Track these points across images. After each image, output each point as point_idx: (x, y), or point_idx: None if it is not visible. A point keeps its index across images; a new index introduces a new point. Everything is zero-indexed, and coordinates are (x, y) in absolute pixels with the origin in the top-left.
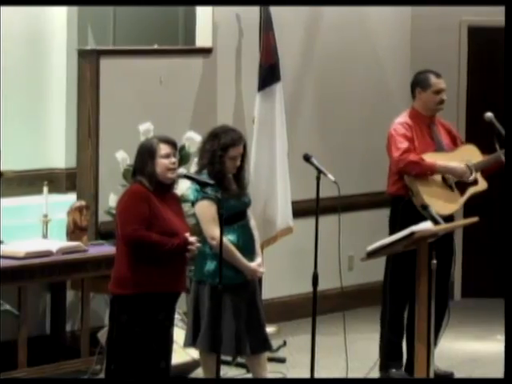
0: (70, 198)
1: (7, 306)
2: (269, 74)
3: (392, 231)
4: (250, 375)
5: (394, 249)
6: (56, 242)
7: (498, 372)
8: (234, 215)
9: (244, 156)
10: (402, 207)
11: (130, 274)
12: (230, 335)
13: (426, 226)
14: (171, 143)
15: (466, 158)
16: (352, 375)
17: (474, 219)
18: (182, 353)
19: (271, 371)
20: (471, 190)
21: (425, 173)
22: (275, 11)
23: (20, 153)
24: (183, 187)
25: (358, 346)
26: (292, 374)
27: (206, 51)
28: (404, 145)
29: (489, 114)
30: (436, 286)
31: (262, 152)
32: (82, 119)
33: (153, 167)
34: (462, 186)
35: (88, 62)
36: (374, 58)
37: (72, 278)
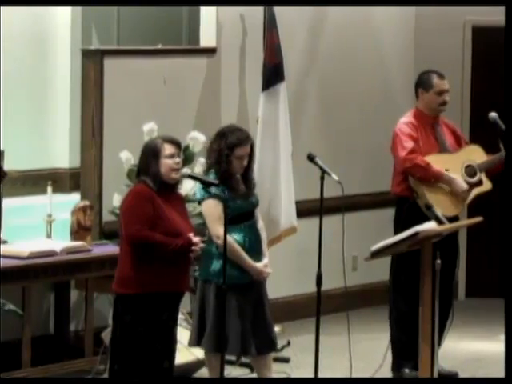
0: (74, 198)
1: (11, 306)
2: (273, 74)
3: (396, 232)
4: (253, 375)
5: (398, 249)
6: (60, 242)
7: (502, 372)
8: (240, 215)
9: (251, 156)
10: (407, 209)
11: (133, 273)
12: (236, 335)
13: (430, 225)
14: (175, 143)
15: (470, 158)
16: (356, 375)
17: (478, 219)
18: (185, 352)
19: (275, 371)
20: (476, 191)
21: (429, 178)
22: (279, 11)
23: (24, 153)
24: (187, 187)
25: (362, 346)
26: (296, 374)
27: (209, 51)
28: (410, 144)
29: (493, 114)
30: (440, 286)
31: (266, 152)
32: (86, 119)
33: (157, 167)
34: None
35: (92, 62)
36: (378, 58)
37: (76, 277)
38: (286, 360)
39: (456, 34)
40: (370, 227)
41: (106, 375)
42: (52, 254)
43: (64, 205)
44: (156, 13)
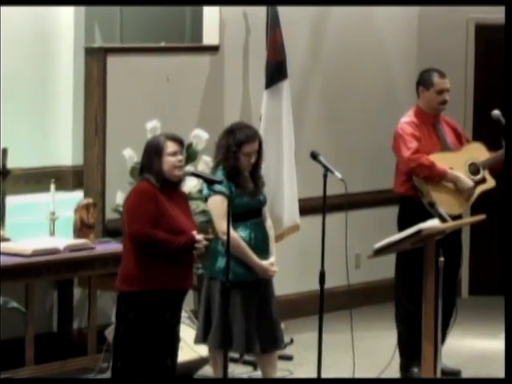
0: (77, 196)
1: (14, 304)
2: (276, 72)
3: (401, 231)
4: (257, 373)
5: (402, 246)
6: (63, 240)
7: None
8: (247, 212)
9: (260, 154)
10: (412, 208)
11: (136, 271)
12: (240, 332)
13: (433, 223)
14: (178, 141)
15: (473, 156)
16: (359, 373)
17: (482, 217)
18: (188, 350)
19: (278, 369)
20: (480, 189)
21: (434, 177)
22: (282, 9)
23: (27, 150)
24: (190, 185)
25: (365, 344)
26: (299, 372)
27: (213, 49)
28: (414, 144)
29: (496, 112)
30: (444, 284)
31: (269, 150)
32: (89, 117)
33: (160, 165)
34: None
35: (95, 60)
36: (381, 57)
37: (79, 275)
38: (289, 358)
39: (459, 32)
40: (373, 225)
41: (109, 373)
42: (55, 251)
43: (67, 202)
44: (159, 11)
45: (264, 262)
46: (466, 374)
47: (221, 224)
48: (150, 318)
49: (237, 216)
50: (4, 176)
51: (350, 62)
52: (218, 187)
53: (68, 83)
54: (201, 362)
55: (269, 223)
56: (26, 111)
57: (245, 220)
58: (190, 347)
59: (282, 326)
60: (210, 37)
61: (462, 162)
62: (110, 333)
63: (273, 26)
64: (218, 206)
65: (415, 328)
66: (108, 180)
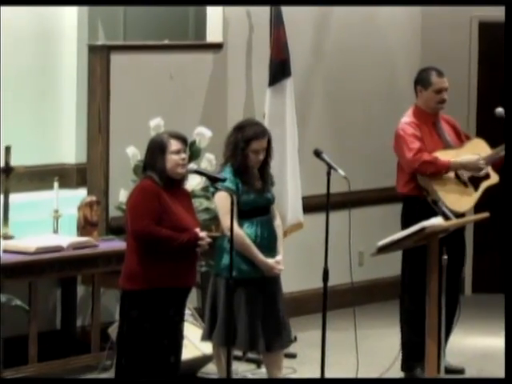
0: (81, 194)
1: (18, 301)
2: (279, 70)
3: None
4: (260, 370)
5: (405, 244)
6: (66, 238)
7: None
8: (254, 209)
9: (269, 151)
10: (420, 209)
11: (140, 269)
12: (244, 330)
13: (436, 221)
14: (182, 139)
15: (475, 152)
16: (362, 371)
17: (485, 214)
18: (192, 348)
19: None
20: (484, 185)
21: (440, 172)
22: (286, 7)
23: (31, 148)
24: (193, 183)
25: (368, 342)
26: (302, 370)
27: (216, 46)
28: (416, 145)
29: (499, 110)
30: (447, 282)
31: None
32: (93, 114)
33: (163, 163)
34: (475, 180)
35: (98, 58)
36: (385, 55)
37: (82, 273)
38: (292, 356)
39: (462, 31)
40: (377, 223)
41: (112, 371)
42: (59, 249)
43: (71, 200)
44: (162, 9)
45: (269, 260)
46: (469, 372)
47: (226, 220)
48: (154, 316)
49: (243, 213)
50: (7, 174)
51: (353, 61)
52: (227, 183)
53: (71, 81)
54: (204, 360)
55: (278, 222)
56: (30, 109)
57: (251, 217)
58: (193, 345)
59: None
60: (213, 34)
61: (467, 157)
62: (113, 330)
63: (276, 24)
64: (223, 202)
65: (418, 328)
66: (111, 178)
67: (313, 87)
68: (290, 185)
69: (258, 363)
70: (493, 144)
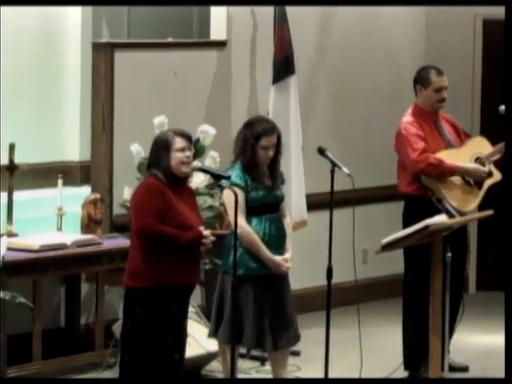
0: (85, 191)
1: (22, 299)
2: (283, 67)
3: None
4: (264, 368)
5: (409, 242)
6: (70, 235)
7: None
8: (263, 206)
9: (278, 148)
10: (424, 208)
11: (144, 266)
12: (251, 328)
13: (440, 219)
14: (186, 137)
15: (477, 150)
16: (366, 369)
17: (489, 212)
18: (196, 346)
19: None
20: (488, 183)
21: (444, 175)
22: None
23: (35, 146)
24: (197, 180)
25: (372, 340)
26: (306, 367)
27: (220, 44)
28: (420, 145)
29: (503, 107)
30: (450, 279)
31: None
32: (97, 112)
33: (168, 161)
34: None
35: (102, 55)
36: (389, 52)
37: (86, 270)
38: (296, 353)
39: (466, 28)
40: (380, 220)
41: (116, 368)
42: (63, 247)
43: (74, 198)
44: (166, 6)
45: (277, 258)
46: (472, 370)
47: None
48: (158, 314)
49: (252, 210)
50: (11, 171)
51: (357, 58)
52: (235, 179)
53: (75, 79)
54: (208, 358)
55: (287, 221)
56: (34, 107)
57: (260, 214)
58: (197, 343)
59: None
60: (217, 32)
61: (468, 158)
62: (117, 328)
63: (280, 21)
64: (231, 198)
65: (424, 328)
66: (115, 175)
67: (317, 85)
68: (294, 182)
69: (263, 361)
70: (497, 141)
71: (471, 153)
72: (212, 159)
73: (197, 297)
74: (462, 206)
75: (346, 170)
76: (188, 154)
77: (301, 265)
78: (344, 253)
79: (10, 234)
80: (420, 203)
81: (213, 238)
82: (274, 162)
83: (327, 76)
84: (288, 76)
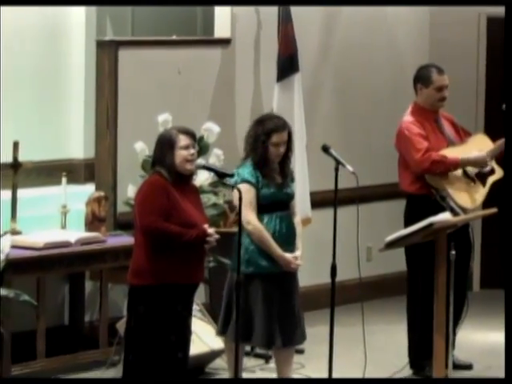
0: (89, 189)
1: (26, 297)
2: (287, 65)
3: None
4: (268, 366)
5: (413, 240)
6: (74, 233)
7: None
8: (273, 204)
9: (289, 146)
10: (429, 207)
11: (148, 264)
12: (261, 326)
13: (444, 216)
14: (190, 134)
15: (479, 147)
16: (370, 366)
17: (493, 210)
18: (200, 344)
19: None
20: (490, 180)
21: (449, 170)
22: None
23: (39, 143)
24: (201, 178)
25: (376, 337)
26: (310, 365)
27: (224, 42)
28: (423, 145)
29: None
30: (455, 277)
31: None
32: (101, 110)
33: (172, 158)
34: (481, 176)
35: (106, 53)
36: (393, 50)
37: (90, 268)
38: (300, 351)
39: (471, 26)
40: (385, 218)
41: (120, 366)
42: (67, 244)
43: (79, 195)
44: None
45: (287, 255)
46: (476, 368)
47: (245, 213)
48: (161, 312)
49: (263, 207)
50: (15, 169)
51: (362, 57)
52: (246, 176)
53: (79, 76)
54: (212, 355)
55: (297, 219)
56: (38, 104)
57: (270, 212)
58: (201, 340)
59: None
60: (221, 30)
61: (474, 154)
62: (121, 326)
63: (284, 19)
64: (243, 194)
65: (429, 327)
66: (119, 173)
67: (321, 84)
68: (298, 180)
69: (267, 359)
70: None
71: (473, 150)
72: (216, 157)
73: (201, 295)
74: (466, 203)
75: (350, 167)
76: (192, 151)
77: (305, 262)
78: (348, 250)
79: (14, 232)
80: (423, 202)
81: (217, 236)
82: (285, 160)
83: (331, 75)
84: (292, 74)
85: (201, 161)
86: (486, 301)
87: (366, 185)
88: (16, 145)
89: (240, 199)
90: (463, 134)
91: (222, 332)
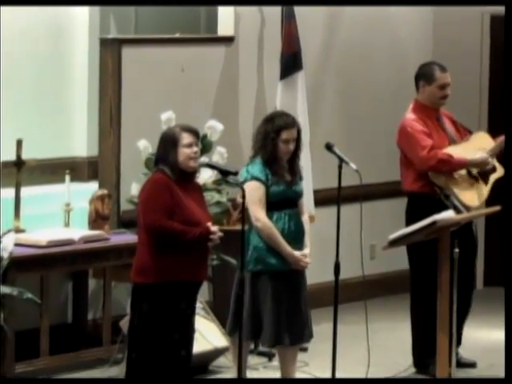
0: (92, 187)
1: (29, 295)
2: (291, 63)
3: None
4: (271, 364)
5: (416, 238)
6: (78, 231)
7: None
8: (282, 201)
9: (298, 144)
10: (430, 206)
11: (151, 262)
12: (270, 324)
13: (448, 214)
14: (193, 132)
15: (480, 145)
16: (374, 364)
17: (496, 208)
18: (203, 341)
19: None
20: (492, 178)
21: (454, 170)
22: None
23: (42, 141)
24: (205, 176)
25: (379, 335)
26: (314, 363)
27: (227, 40)
28: (428, 142)
29: None
30: (460, 275)
31: None
32: (104, 108)
33: (175, 156)
34: (483, 174)
35: (110, 51)
36: (396, 49)
37: (94, 266)
38: (304, 349)
39: (474, 24)
40: (388, 216)
41: (123, 364)
42: (70, 242)
43: (82, 193)
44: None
45: (296, 253)
46: (480, 366)
47: (254, 210)
48: (165, 310)
49: (272, 204)
50: (19, 167)
51: (365, 55)
52: (256, 173)
53: (83, 74)
54: (215, 353)
55: (305, 217)
56: (41, 102)
57: (279, 209)
58: (204, 338)
59: None
60: (224, 28)
61: (473, 153)
62: (124, 324)
63: (288, 17)
64: (252, 191)
65: (433, 325)
66: (123, 171)
67: (323, 82)
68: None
69: (270, 356)
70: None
71: (475, 148)
72: (219, 155)
73: (204, 293)
74: (470, 202)
75: (353, 165)
76: (195, 149)
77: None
78: (351, 248)
79: (18, 230)
80: (424, 201)
81: (220, 234)
82: (294, 157)
83: (334, 73)
84: (295, 72)
85: (204, 159)
86: (489, 299)
87: (369, 183)
88: (19, 143)
89: (243, 197)
90: (463, 131)
91: (231, 331)
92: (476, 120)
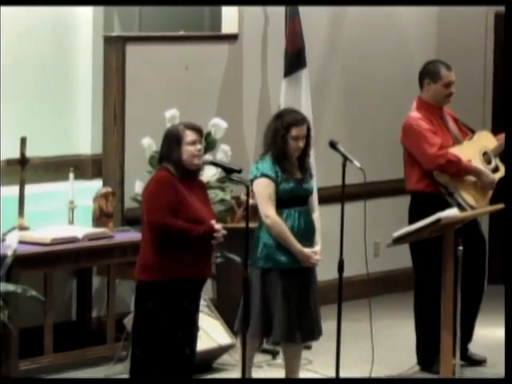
0: (96, 185)
1: (33, 292)
2: (295, 60)
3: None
4: (276, 361)
5: (420, 235)
6: (82, 229)
7: None
8: (292, 199)
9: (308, 141)
10: (435, 205)
11: (155, 260)
12: (281, 322)
13: (452, 212)
14: (197, 130)
15: (484, 145)
16: (377, 362)
17: (500, 206)
18: (207, 339)
19: None
20: (496, 177)
21: (460, 173)
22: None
23: (46, 139)
24: (209, 174)
25: (383, 333)
26: (318, 361)
27: (231, 37)
28: (437, 140)
29: None
30: (471, 273)
31: None
32: (108, 106)
33: (179, 154)
34: None
35: (114, 49)
36: (400, 47)
37: (98, 264)
38: (308, 347)
39: (478, 23)
40: (392, 214)
41: (127, 362)
42: (74, 240)
43: (86, 191)
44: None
45: (306, 250)
46: (490, 362)
47: (264, 207)
48: (169, 307)
49: (282, 202)
50: (23, 165)
51: (369, 53)
52: (266, 170)
53: (87, 72)
54: (220, 351)
55: (316, 215)
56: (45, 100)
57: (289, 207)
58: (208, 336)
59: None
60: (228, 26)
61: (477, 153)
62: (128, 321)
63: (292, 15)
64: (262, 188)
65: (436, 325)
66: (127, 169)
67: (328, 79)
68: None
69: (274, 354)
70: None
71: (479, 148)
72: (223, 153)
73: (208, 290)
74: (475, 201)
75: (357, 163)
76: (199, 147)
77: None
78: (355, 246)
79: (22, 228)
80: (430, 200)
81: (224, 232)
82: (304, 155)
83: (338, 71)
84: (299, 69)
85: (208, 156)
86: (493, 296)
87: (373, 180)
88: (23, 140)
89: (247, 195)
90: (465, 130)
91: (239, 328)
92: (480, 117)
